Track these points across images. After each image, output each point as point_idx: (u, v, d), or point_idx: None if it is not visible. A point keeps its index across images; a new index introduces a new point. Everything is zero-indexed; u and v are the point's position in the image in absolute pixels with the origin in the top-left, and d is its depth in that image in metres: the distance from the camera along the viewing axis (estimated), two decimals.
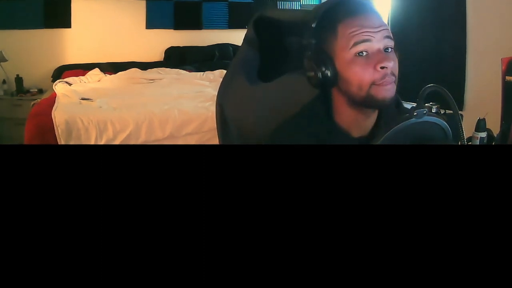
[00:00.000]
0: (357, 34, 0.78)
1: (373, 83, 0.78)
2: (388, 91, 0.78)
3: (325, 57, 0.81)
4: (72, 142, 2.55)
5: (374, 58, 0.78)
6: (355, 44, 0.78)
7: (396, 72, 0.80)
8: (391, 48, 0.80)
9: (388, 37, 0.79)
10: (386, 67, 0.77)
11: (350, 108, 0.84)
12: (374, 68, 0.77)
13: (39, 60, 3.99)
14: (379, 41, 0.78)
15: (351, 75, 0.79)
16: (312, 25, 0.82)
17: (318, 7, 0.83)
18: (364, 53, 0.78)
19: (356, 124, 0.85)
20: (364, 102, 0.81)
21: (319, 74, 0.81)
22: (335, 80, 0.81)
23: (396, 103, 0.90)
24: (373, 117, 0.86)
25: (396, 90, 0.81)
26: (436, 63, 2.68)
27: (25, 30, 3.92)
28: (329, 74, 0.81)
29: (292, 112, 0.90)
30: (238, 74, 1.11)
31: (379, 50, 0.78)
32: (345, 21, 0.79)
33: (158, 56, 4.38)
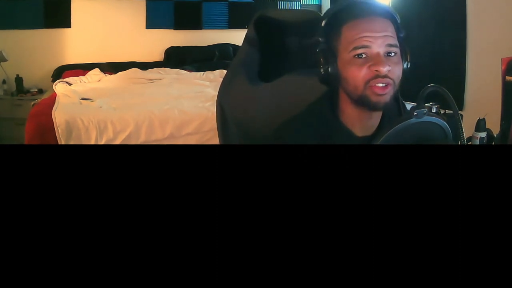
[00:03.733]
0: (358, 38, 0.80)
1: (367, 84, 0.80)
2: (381, 92, 0.79)
3: (330, 55, 0.85)
4: (72, 142, 2.55)
5: (370, 60, 0.80)
6: (355, 48, 0.80)
7: (395, 76, 0.80)
8: (395, 53, 0.81)
9: (391, 44, 0.80)
10: (378, 71, 0.78)
11: (353, 107, 0.85)
12: (368, 68, 0.79)
13: (39, 60, 3.98)
14: (379, 47, 0.80)
15: (348, 73, 0.82)
16: (322, 24, 0.87)
17: (330, 9, 0.88)
18: (363, 55, 0.80)
19: (359, 123, 0.87)
20: (361, 102, 0.83)
21: (323, 70, 0.85)
22: (338, 77, 0.84)
23: (397, 106, 0.91)
24: (376, 117, 0.87)
25: (396, 94, 0.82)
26: (436, 63, 2.68)
27: (25, 30, 3.91)
28: (331, 71, 0.84)
29: (293, 112, 0.90)
30: (238, 74, 1.11)
31: (377, 54, 0.80)
32: (349, 23, 0.82)
33: (158, 56, 4.37)
